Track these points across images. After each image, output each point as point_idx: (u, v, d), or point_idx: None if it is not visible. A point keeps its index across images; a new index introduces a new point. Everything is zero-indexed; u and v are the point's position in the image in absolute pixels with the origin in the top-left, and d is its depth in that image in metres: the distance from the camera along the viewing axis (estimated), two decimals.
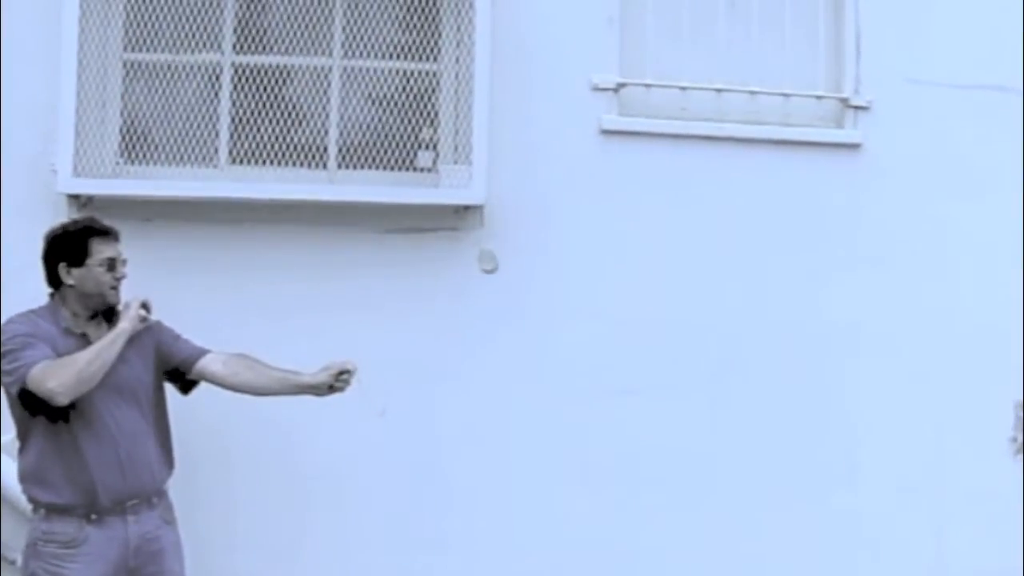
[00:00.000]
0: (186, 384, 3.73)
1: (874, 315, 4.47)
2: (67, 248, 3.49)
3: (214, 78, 4.15)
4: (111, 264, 3.52)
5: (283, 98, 4.15)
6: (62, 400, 3.33)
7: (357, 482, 4.20)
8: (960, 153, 4.53)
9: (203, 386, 3.72)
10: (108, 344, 3.43)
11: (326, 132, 4.18)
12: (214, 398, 3.74)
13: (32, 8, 4.05)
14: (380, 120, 4.18)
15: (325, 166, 4.18)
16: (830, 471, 4.42)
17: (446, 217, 4.23)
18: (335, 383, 3.61)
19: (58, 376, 3.32)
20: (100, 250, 3.50)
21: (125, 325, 3.48)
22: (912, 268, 4.51)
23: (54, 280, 3.51)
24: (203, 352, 3.68)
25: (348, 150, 4.18)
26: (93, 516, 3.46)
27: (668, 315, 4.36)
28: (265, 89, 4.13)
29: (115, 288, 3.54)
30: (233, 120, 4.13)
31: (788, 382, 4.42)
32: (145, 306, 3.56)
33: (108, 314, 3.56)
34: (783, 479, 4.39)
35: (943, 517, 4.46)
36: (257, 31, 4.16)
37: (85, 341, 3.48)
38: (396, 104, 4.18)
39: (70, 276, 3.48)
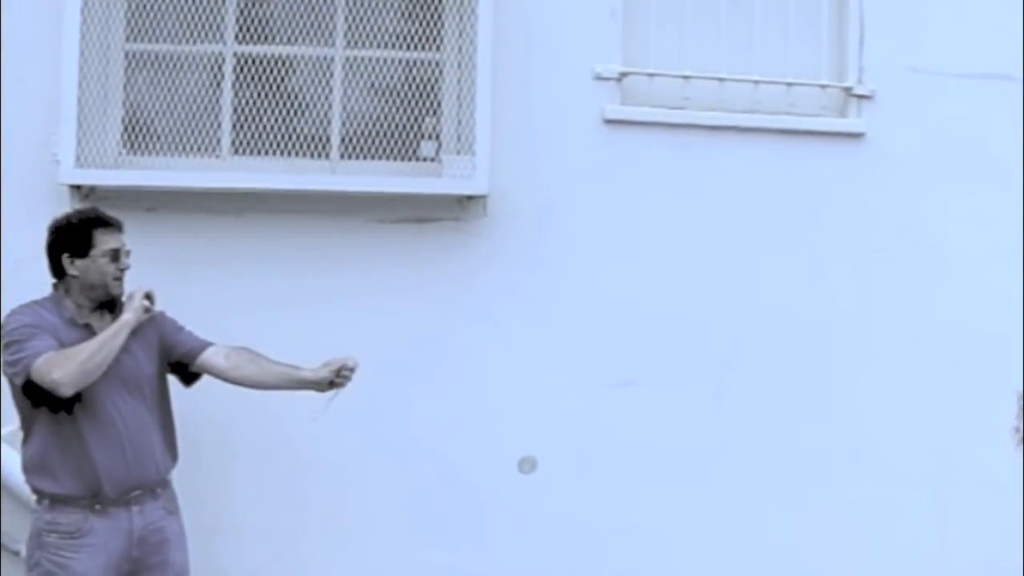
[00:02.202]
0: (188, 376, 3.73)
1: (877, 305, 4.47)
2: (71, 239, 3.49)
3: (216, 68, 4.14)
4: (115, 255, 3.51)
5: (285, 88, 4.14)
6: (66, 391, 3.32)
7: (360, 473, 4.20)
8: (963, 142, 4.51)
9: (207, 378, 3.72)
10: (112, 335, 3.43)
11: (329, 122, 4.17)
12: (218, 390, 3.73)
13: None
14: (383, 110, 4.17)
15: (328, 156, 4.17)
16: (832, 462, 4.41)
17: (449, 207, 4.23)
18: (336, 379, 3.62)
19: (62, 367, 3.31)
20: (104, 241, 3.50)
21: (129, 316, 3.48)
22: (915, 257, 4.50)
23: (58, 271, 3.51)
24: (205, 345, 3.68)
25: (351, 140, 4.17)
26: (97, 506, 3.46)
27: (670, 305, 4.36)
28: (267, 79, 4.12)
29: (119, 279, 3.53)
30: (235, 110, 4.12)
31: (790, 373, 4.41)
32: (149, 297, 3.56)
33: (112, 305, 3.56)
34: (785, 470, 4.38)
35: (946, 507, 4.45)
36: (259, 21, 4.15)
37: (89, 332, 3.48)
38: (399, 94, 4.17)
39: (74, 267, 3.48)
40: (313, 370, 3.62)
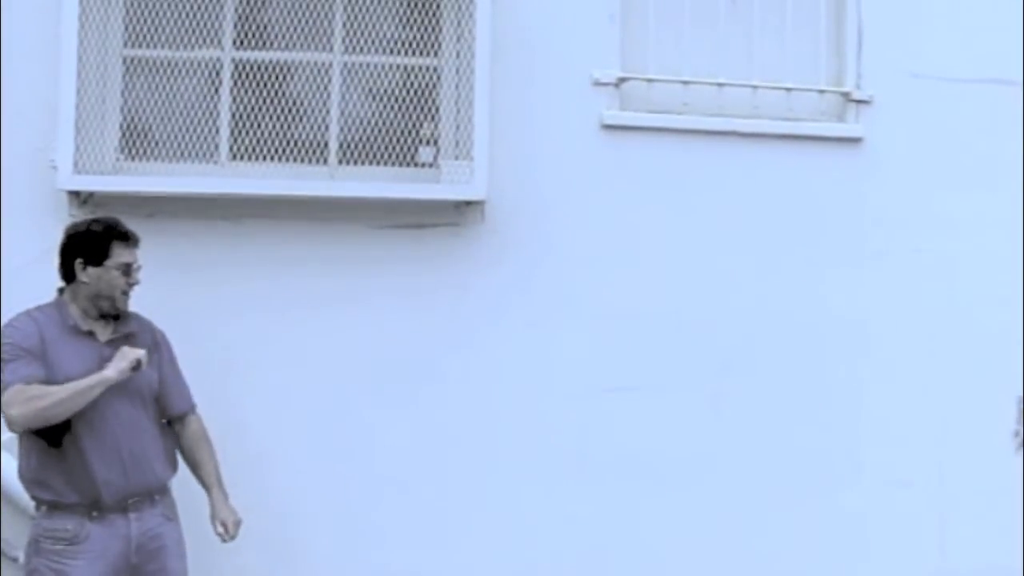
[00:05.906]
0: None
1: (876, 309, 4.47)
2: (88, 246, 3.48)
3: (214, 74, 4.14)
4: (127, 269, 3.52)
5: (284, 94, 4.14)
6: (15, 429, 3.36)
7: (358, 479, 4.19)
8: (962, 146, 4.52)
9: (202, 388, 3.76)
10: (85, 389, 3.38)
11: (327, 128, 4.17)
12: (215, 400, 3.77)
13: (32, 4, 4.03)
14: (381, 116, 4.17)
15: (326, 162, 4.17)
16: (833, 467, 4.41)
17: (447, 213, 4.22)
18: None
19: (21, 407, 3.32)
20: (119, 254, 3.51)
21: (110, 374, 3.42)
22: (914, 262, 4.50)
23: (68, 274, 3.50)
24: (182, 417, 3.72)
25: (349, 146, 4.17)
26: (95, 513, 3.46)
27: (670, 311, 4.36)
28: (266, 85, 4.12)
29: (126, 294, 3.54)
30: (234, 116, 4.12)
31: (790, 377, 4.41)
32: (139, 362, 3.48)
33: (116, 316, 3.55)
34: (786, 475, 4.38)
35: (946, 512, 4.46)
36: (257, 27, 4.15)
37: (91, 339, 3.48)
38: (397, 100, 4.17)
39: (85, 273, 3.48)
40: (215, 498, 3.68)
